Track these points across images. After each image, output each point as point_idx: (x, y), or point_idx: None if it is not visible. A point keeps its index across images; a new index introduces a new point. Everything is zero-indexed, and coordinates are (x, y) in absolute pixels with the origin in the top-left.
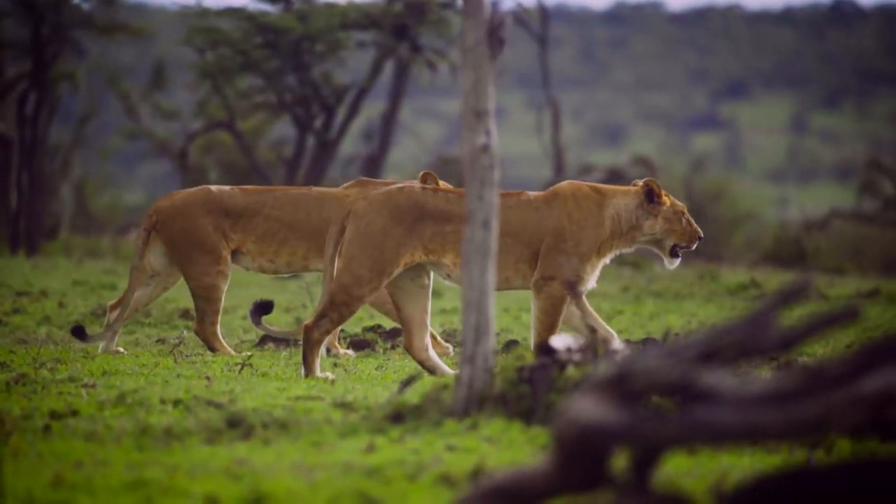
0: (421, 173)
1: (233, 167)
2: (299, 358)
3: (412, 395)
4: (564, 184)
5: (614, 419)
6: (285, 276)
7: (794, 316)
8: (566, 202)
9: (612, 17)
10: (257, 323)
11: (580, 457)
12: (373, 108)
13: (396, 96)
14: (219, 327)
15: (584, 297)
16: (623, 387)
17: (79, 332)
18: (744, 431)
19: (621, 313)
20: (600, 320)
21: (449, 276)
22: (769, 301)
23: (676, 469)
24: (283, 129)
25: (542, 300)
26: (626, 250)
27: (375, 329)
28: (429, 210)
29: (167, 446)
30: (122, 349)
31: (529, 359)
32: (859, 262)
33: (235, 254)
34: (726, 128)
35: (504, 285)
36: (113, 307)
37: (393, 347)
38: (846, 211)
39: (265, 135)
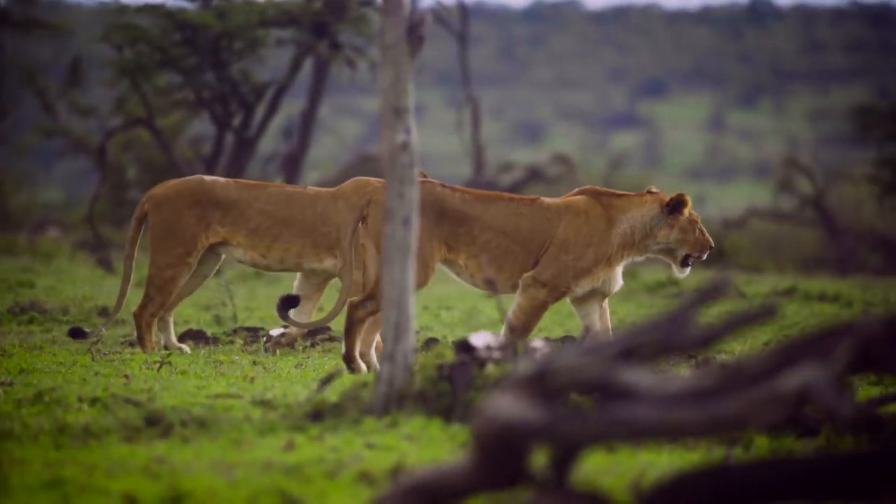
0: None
1: (151, 164)
2: (218, 356)
3: (331, 393)
4: (580, 198)
5: (533, 417)
6: (277, 272)
7: (713, 314)
8: (577, 217)
9: (530, 14)
10: (285, 317)
11: (499, 454)
12: (292, 106)
13: (316, 94)
14: (156, 321)
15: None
16: (542, 384)
17: (76, 333)
18: (663, 429)
19: None
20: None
21: (459, 274)
22: (688, 299)
23: (595, 467)
24: (202, 126)
25: (525, 299)
26: (638, 258)
27: None
28: (447, 209)
29: (85, 445)
30: (185, 347)
31: (449, 356)
32: (777, 260)
33: (224, 246)
34: (645, 126)
35: (513, 291)
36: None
37: (312, 345)
38: (764, 209)
39: (184, 132)
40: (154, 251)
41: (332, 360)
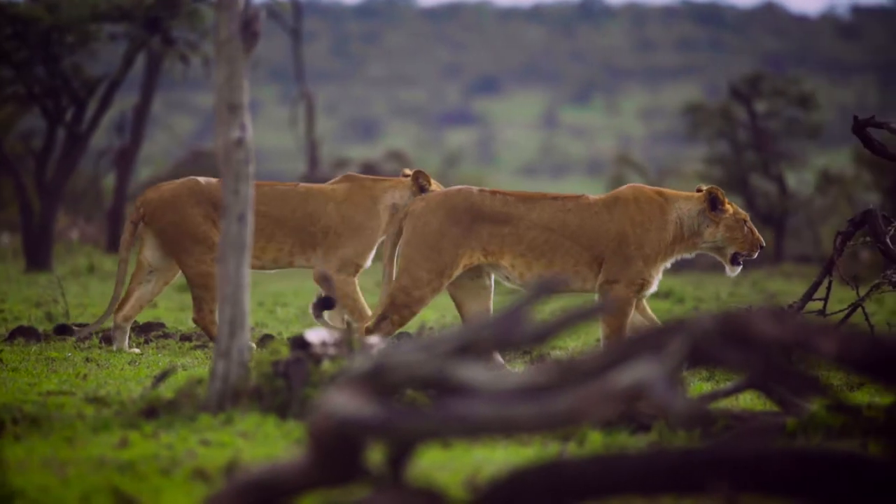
0: (414, 171)
1: None
2: (50, 353)
3: (166, 390)
4: (626, 188)
5: (369, 413)
6: (270, 272)
7: (548, 310)
8: (628, 206)
9: (364, 11)
10: (319, 317)
11: (335, 451)
12: (125, 101)
13: (148, 89)
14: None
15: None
16: (378, 381)
17: (63, 330)
18: (498, 425)
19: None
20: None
21: (508, 277)
22: (523, 296)
23: (431, 463)
24: (33, 121)
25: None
26: (687, 256)
27: None
28: (485, 212)
29: None
30: (137, 349)
31: (285, 353)
32: None
33: None
34: (479, 123)
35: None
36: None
37: (146, 342)
38: None
39: (14, 127)
40: (178, 254)
41: (166, 357)
